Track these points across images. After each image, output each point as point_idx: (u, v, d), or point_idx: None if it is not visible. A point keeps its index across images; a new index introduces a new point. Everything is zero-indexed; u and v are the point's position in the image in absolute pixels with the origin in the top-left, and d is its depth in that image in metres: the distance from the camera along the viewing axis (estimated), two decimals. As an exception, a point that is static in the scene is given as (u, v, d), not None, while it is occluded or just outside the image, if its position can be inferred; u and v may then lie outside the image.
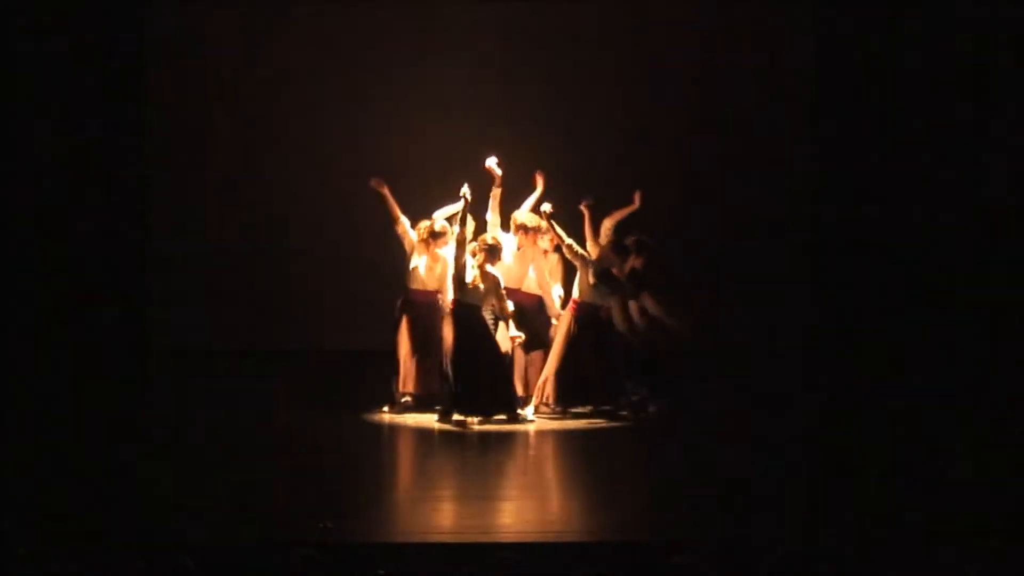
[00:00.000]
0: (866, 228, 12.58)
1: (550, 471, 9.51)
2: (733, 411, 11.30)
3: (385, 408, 11.05)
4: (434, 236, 11.03)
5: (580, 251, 10.93)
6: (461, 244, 10.66)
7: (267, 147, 14.15)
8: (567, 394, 10.87)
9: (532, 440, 10.37)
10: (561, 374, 10.82)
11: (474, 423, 10.58)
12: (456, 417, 10.60)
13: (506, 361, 10.87)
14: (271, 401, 11.61)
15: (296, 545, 6.93)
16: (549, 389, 10.82)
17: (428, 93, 14.09)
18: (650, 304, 11.09)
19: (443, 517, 8.21)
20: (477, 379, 10.54)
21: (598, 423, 10.80)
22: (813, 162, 13.50)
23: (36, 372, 11.44)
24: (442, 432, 10.52)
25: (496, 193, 11.12)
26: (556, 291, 11.25)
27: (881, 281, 12.42)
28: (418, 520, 8.15)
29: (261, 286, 14.06)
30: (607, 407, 10.95)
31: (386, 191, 11.14)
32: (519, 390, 10.98)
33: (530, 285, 11.24)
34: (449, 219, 11.08)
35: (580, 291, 10.96)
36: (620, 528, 8.00)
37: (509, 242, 11.11)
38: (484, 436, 10.42)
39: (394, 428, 10.70)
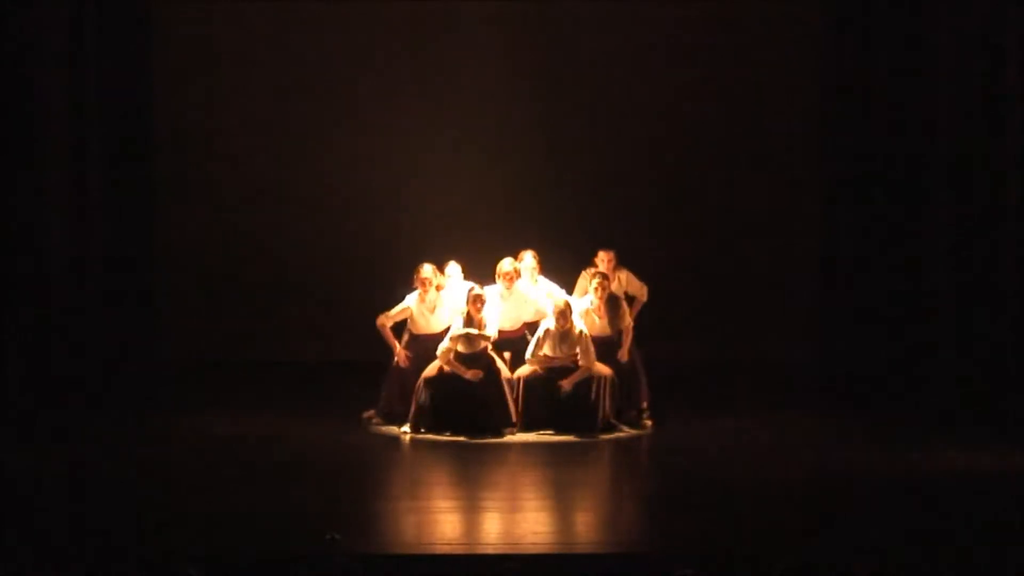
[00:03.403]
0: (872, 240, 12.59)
1: (554, 483, 9.49)
2: (735, 422, 11.28)
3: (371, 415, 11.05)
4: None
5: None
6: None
7: (269, 159, 14.15)
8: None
9: (535, 453, 10.34)
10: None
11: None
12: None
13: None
14: (275, 412, 11.57)
15: (299, 557, 6.96)
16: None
17: (435, 104, 14.06)
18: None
19: (449, 528, 8.21)
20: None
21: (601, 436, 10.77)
22: (820, 167, 13.53)
23: (36, 380, 11.43)
24: (445, 443, 10.50)
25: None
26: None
27: (884, 289, 12.44)
28: (424, 531, 8.15)
29: (263, 296, 14.04)
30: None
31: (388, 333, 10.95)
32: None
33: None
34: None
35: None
36: (626, 540, 8.01)
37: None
38: (485, 448, 10.41)
39: (399, 440, 10.67)
